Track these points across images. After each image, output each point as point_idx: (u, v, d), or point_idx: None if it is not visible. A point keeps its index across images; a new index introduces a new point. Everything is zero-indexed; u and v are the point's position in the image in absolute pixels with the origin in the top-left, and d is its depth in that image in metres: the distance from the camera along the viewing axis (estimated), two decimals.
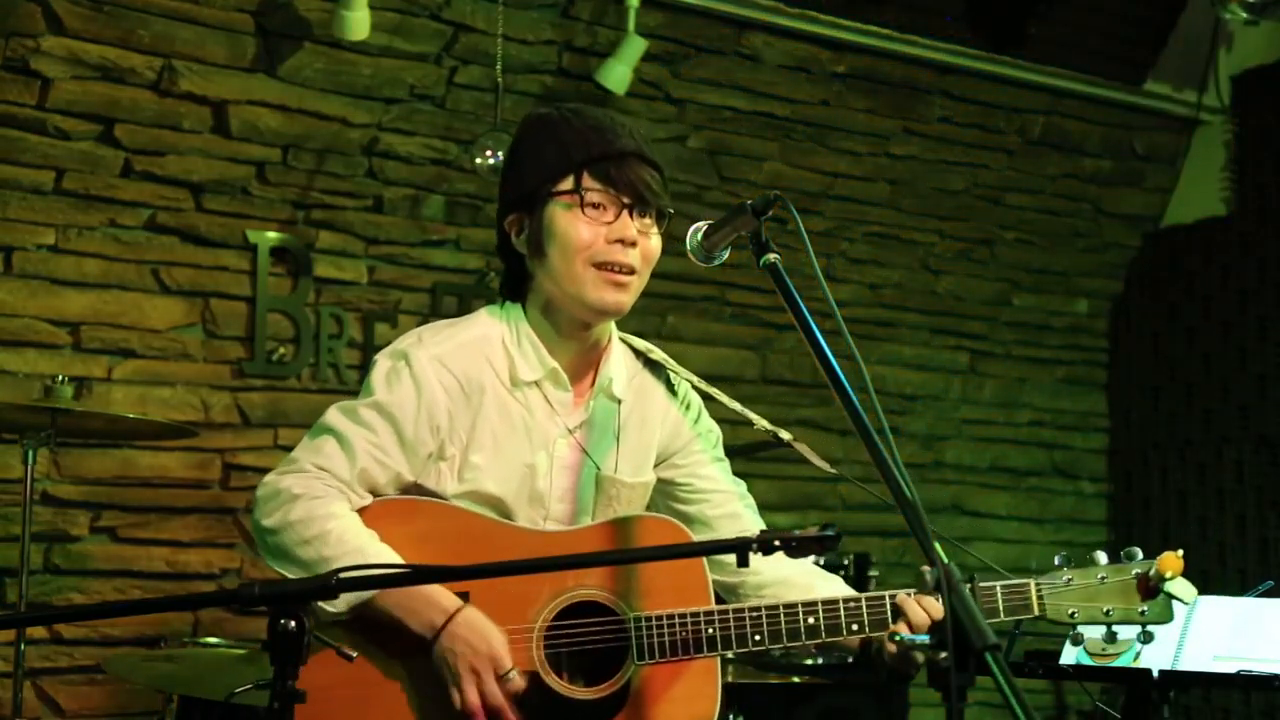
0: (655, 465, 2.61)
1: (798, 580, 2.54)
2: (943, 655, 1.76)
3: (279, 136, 4.75)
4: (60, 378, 3.76)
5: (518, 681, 2.27)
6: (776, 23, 5.39)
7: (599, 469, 2.51)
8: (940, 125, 5.94)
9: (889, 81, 5.74)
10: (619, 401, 2.55)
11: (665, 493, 2.64)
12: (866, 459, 1.95)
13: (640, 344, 2.64)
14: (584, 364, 2.53)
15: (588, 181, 2.41)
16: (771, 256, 2.15)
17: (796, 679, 4.34)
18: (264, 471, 2.49)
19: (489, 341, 2.47)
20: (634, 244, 2.42)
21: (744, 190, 5.52)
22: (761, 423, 2.60)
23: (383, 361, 2.45)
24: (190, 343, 4.71)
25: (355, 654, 2.18)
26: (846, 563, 4.65)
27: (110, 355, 4.58)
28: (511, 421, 2.45)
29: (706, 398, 2.68)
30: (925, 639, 2.18)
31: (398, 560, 2.29)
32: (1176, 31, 6.23)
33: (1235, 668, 3.07)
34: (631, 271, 2.42)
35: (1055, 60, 5.97)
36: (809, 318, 2.08)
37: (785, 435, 2.60)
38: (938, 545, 1.83)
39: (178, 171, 4.64)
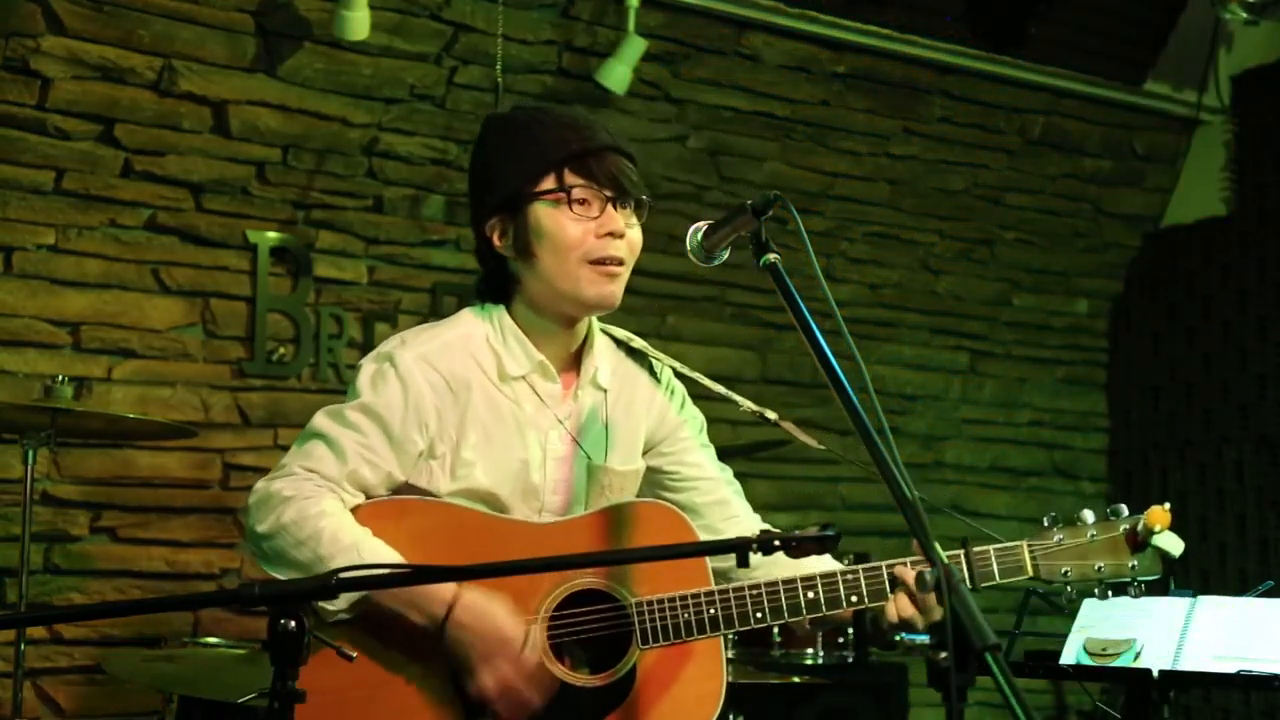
0: (643, 453, 2.62)
1: (785, 560, 2.53)
2: (943, 655, 1.76)
3: (279, 136, 4.75)
4: (60, 378, 3.76)
5: (535, 652, 2.29)
6: (776, 23, 5.39)
7: (590, 459, 2.52)
8: (940, 125, 5.94)
9: (889, 81, 5.74)
10: (605, 391, 2.56)
11: (653, 481, 2.65)
12: (866, 459, 1.95)
13: (620, 333, 2.65)
14: (569, 356, 2.55)
15: (570, 178, 2.42)
16: (771, 256, 2.15)
17: (796, 679, 4.34)
18: (264, 472, 2.50)
19: (473, 339, 2.49)
20: (621, 236, 2.44)
21: (744, 190, 5.52)
22: (747, 404, 2.61)
23: (368, 365, 2.46)
24: (190, 343, 4.71)
25: (355, 654, 2.17)
26: (847, 563, 4.64)
27: (110, 355, 4.58)
28: (501, 416, 2.46)
29: (691, 385, 2.69)
30: (925, 638, 2.18)
31: (393, 555, 2.30)
32: (1176, 31, 6.23)
33: (1235, 668, 3.07)
34: (621, 263, 2.45)
35: (1055, 60, 5.97)
36: (809, 318, 2.08)
37: (771, 415, 2.60)
38: (937, 545, 1.83)
39: (178, 171, 4.63)
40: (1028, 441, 6.56)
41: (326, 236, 4.94)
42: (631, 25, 4.91)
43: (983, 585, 2.38)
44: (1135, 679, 3.14)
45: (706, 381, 2.64)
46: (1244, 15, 5.55)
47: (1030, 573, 2.40)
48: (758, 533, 2.00)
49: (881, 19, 5.56)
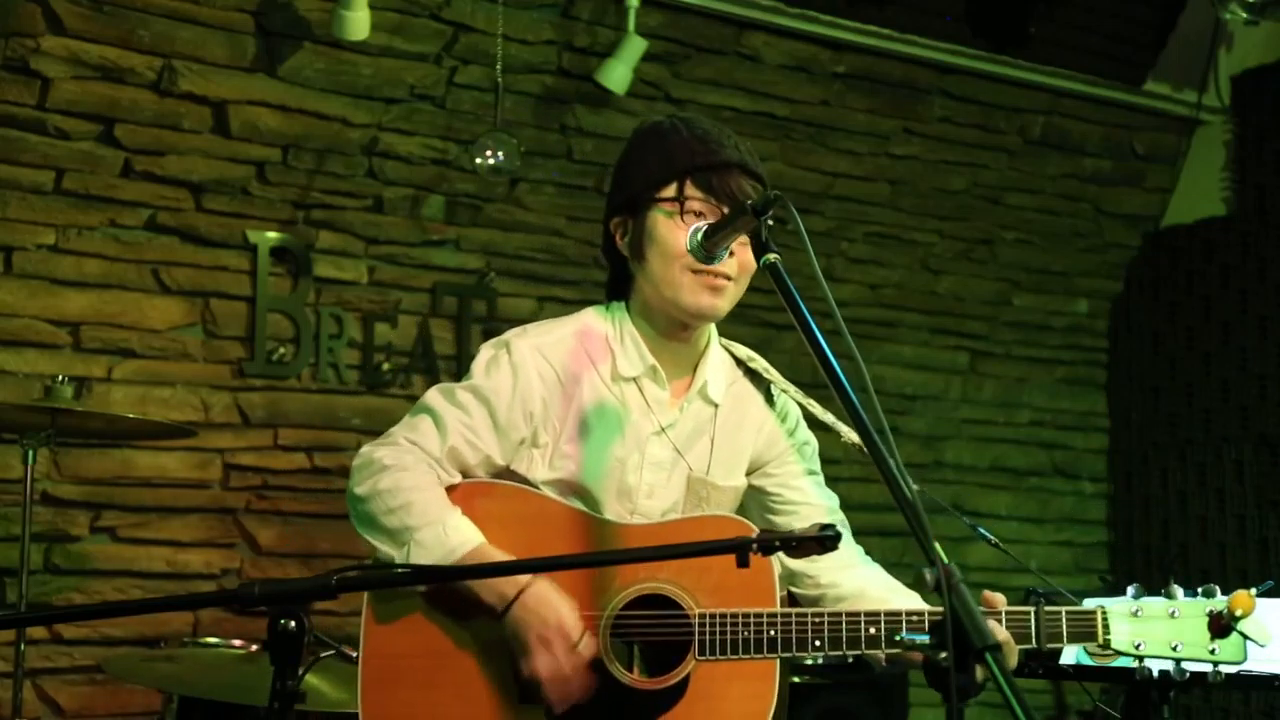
0: (748, 473, 2.65)
1: (874, 594, 2.55)
2: (943, 655, 1.76)
3: (279, 136, 4.75)
4: (60, 378, 3.76)
5: (588, 651, 2.32)
6: (776, 23, 5.39)
7: (690, 469, 2.56)
8: (940, 125, 5.94)
9: (889, 81, 5.74)
10: (715, 405, 2.60)
11: (756, 501, 2.68)
12: (866, 459, 1.95)
13: (742, 351, 2.70)
14: (683, 365, 2.59)
15: (690, 190, 2.48)
16: (771, 256, 2.15)
17: (797, 679, 4.34)
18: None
19: (592, 336, 2.56)
20: (731, 253, 2.44)
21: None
22: (850, 435, 2.61)
23: (485, 350, 2.55)
24: (190, 343, 4.71)
25: (356, 654, 2.19)
26: None
27: (110, 355, 4.58)
28: (606, 415, 2.51)
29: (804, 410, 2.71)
30: (925, 638, 2.17)
31: (477, 535, 2.37)
32: (1176, 31, 6.23)
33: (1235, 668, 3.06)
34: (727, 278, 2.48)
35: (1055, 60, 5.97)
36: (809, 318, 2.07)
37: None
38: (937, 545, 1.83)
39: (178, 171, 4.64)
40: (1028, 441, 6.55)
41: (326, 236, 4.94)
42: (631, 25, 4.91)
43: (1049, 646, 2.32)
44: (1135, 679, 3.14)
45: (818, 411, 2.67)
46: (1244, 15, 5.55)
47: (1100, 640, 2.31)
48: (757, 533, 2.00)
49: (881, 19, 5.56)
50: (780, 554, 2.19)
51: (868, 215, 5.98)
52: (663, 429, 2.54)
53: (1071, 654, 3.25)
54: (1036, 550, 6.36)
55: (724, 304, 2.51)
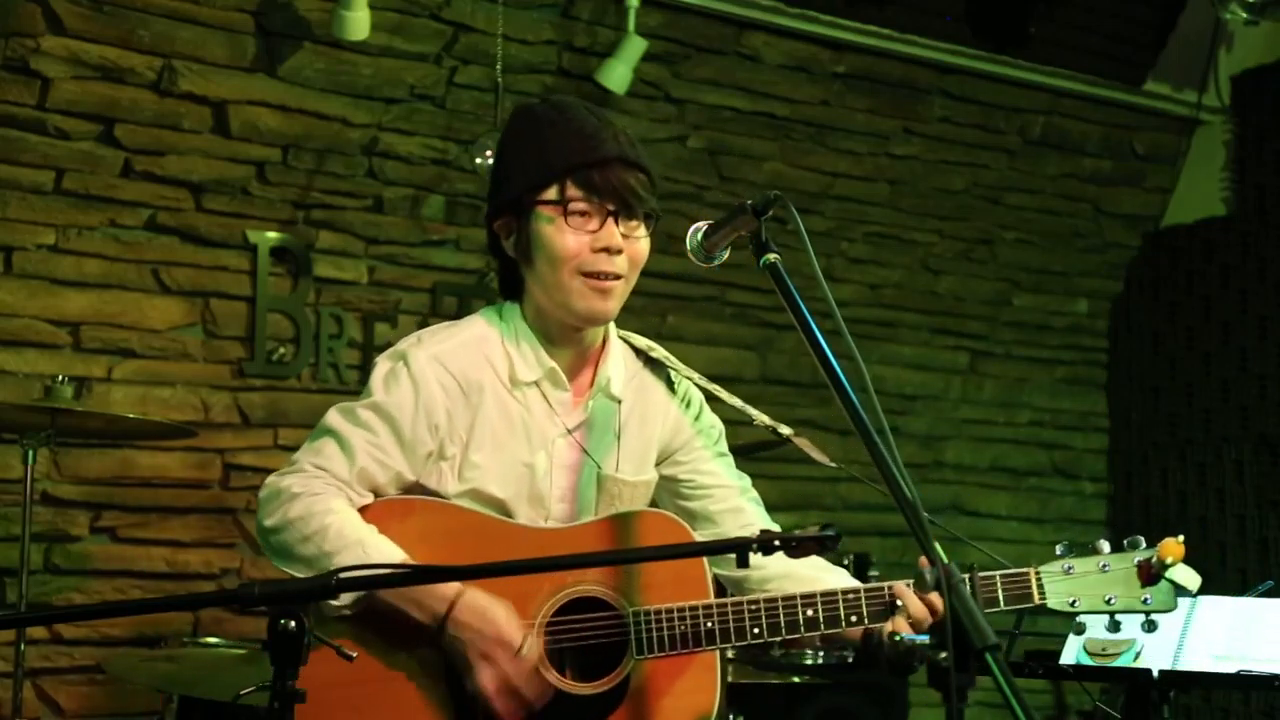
0: (657, 463, 2.62)
1: (802, 574, 2.53)
2: (943, 655, 1.76)
3: (279, 136, 4.75)
4: (60, 378, 3.76)
5: (533, 654, 2.28)
6: (776, 23, 5.39)
7: (600, 468, 2.52)
8: (940, 125, 5.94)
9: (889, 81, 5.74)
10: (619, 401, 2.55)
11: (668, 489, 2.65)
12: (866, 459, 1.95)
13: (641, 341, 2.64)
14: (582, 364, 2.54)
15: (571, 190, 2.41)
16: (771, 256, 2.15)
17: (796, 679, 4.34)
18: (264, 471, 2.50)
19: (488, 341, 2.49)
20: (619, 251, 2.42)
21: (744, 190, 5.52)
22: (762, 419, 2.60)
23: (382, 363, 2.47)
24: (190, 343, 4.71)
25: (355, 654, 2.17)
26: (846, 563, 4.64)
27: (110, 355, 4.58)
28: (511, 421, 2.46)
29: (708, 395, 2.68)
30: (925, 639, 2.17)
31: (398, 553, 2.30)
32: (1176, 31, 6.23)
33: (1235, 668, 3.07)
34: (617, 278, 2.43)
35: (1055, 60, 5.97)
36: (809, 318, 2.07)
37: (785, 430, 2.59)
38: (937, 545, 1.83)
39: (178, 171, 4.63)
40: (1028, 441, 6.55)
41: (326, 236, 4.94)
42: (631, 25, 4.92)
43: (987, 610, 2.33)
44: (1135, 679, 3.14)
45: (724, 395, 2.63)
46: (1244, 15, 5.55)
47: (1037, 600, 2.35)
48: (758, 532, 2.00)
49: (881, 19, 5.56)
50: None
51: (867, 215, 5.98)
52: (569, 431, 2.49)
53: (1072, 654, 3.25)
54: (1036, 550, 6.35)
55: (614, 305, 2.45)
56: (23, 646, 3.76)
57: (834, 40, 5.53)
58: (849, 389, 1.99)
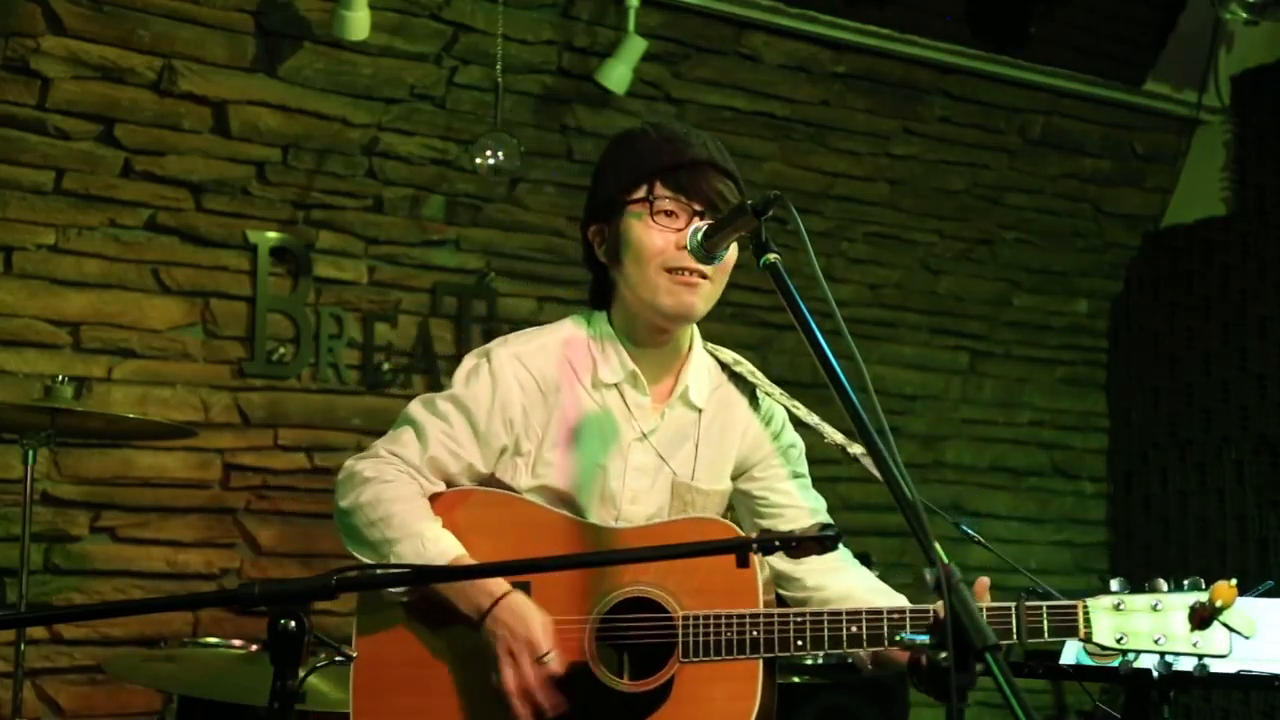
0: (733, 476, 2.65)
1: (859, 596, 2.55)
2: (943, 655, 1.76)
3: (279, 136, 4.75)
4: (60, 378, 3.76)
5: (554, 665, 2.33)
6: (776, 23, 5.39)
7: (675, 474, 2.56)
8: (940, 125, 5.94)
9: (889, 81, 5.74)
10: (699, 410, 2.60)
11: (744, 504, 2.68)
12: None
13: (727, 355, 2.69)
14: (664, 370, 2.59)
15: (659, 190, 2.48)
16: (771, 256, 2.15)
17: (796, 679, 4.34)
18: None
19: (573, 344, 2.56)
20: None
21: (744, 190, 5.51)
22: (835, 437, 2.62)
23: (467, 360, 2.57)
24: (190, 343, 4.71)
25: (355, 654, 2.24)
26: None
27: (110, 355, 4.58)
28: (588, 421, 2.52)
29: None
30: (925, 638, 2.17)
31: (455, 548, 2.39)
32: (1176, 31, 6.24)
33: (1235, 668, 3.07)
34: (703, 276, 2.47)
35: (1055, 60, 5.97)
36: (809, 318, 2.07)
37: (855, 450, 2.60)
38: (937, 545, 1.83)
39: (178, 171, 4.64)
40: (1028, 441, 6.55)
41: (326, 236, 4.94)
42: (631, 25, 4.91)
43: (1030, 641, 2.31)
44: (1135, 679, 3.14)
45: (803, 413, 2.66)
46: (1244, 15, 5.55)
47: (1082, 634, 2.29)
48: (758, 532, 2.01)
49: (881, 19, 5.56)
50: (770, 556, 2.19)
51: (867, 215, 5.98)
52: (644, 435, 2.54)
53: (1072, 654, 3.25)
54: (1036, 550, 6.36)
55: (700, 303, 2.50)
56: (23, 646, 3.76)
57: (834, 40, 5.53)
58: (849, 389, 1.99)
